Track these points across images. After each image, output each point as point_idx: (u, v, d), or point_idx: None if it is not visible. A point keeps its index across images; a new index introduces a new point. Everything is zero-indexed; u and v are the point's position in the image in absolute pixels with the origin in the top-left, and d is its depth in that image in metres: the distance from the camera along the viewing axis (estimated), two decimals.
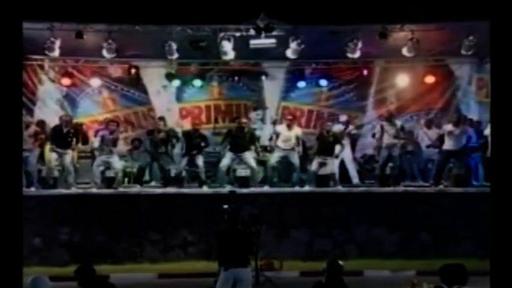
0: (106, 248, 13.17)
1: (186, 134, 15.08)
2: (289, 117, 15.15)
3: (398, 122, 14.94)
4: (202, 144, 14.72)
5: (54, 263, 12.73)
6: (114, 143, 14.42)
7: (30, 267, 10.66)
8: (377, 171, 14.99)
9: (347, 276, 6.82)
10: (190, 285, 11.35)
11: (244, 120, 15.18)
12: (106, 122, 15.37)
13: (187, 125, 16.19)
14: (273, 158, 14.74)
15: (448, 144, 14.46)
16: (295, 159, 14.56)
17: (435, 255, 11.74)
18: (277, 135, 14.69)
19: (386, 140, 14.66)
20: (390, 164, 14.79)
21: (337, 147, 14.70)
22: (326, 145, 14.59)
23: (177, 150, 15.05)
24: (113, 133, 14.44)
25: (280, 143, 14.60)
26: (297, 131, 14.84)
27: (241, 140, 14.50)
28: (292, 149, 14.55)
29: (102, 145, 14.46)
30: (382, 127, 14.94)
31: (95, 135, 14.99)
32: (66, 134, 14.10)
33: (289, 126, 14.73)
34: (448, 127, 14.60)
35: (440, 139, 14.82)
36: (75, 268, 6.36)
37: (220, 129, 16.42)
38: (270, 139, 15.07)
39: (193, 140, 14.64)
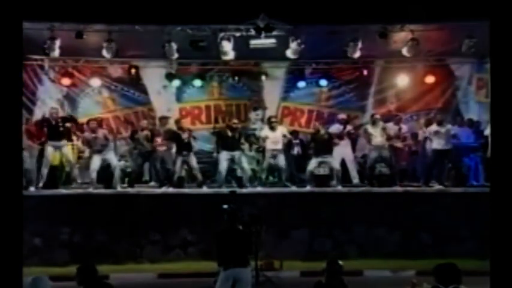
0: (106, 248, 13.16)
1: (173, 134, 14.82)
2: (273, 119, 15.05)
3: (381, 123, 14.87)
4: (192, 141, 14.63)
5: (54, 263, 12.74)
6: (104, 140, 14.33)
7: (30, 267, 10.65)
8: (367, 172, 14.96)
9: (347, 276, 6.82)
10: (190, 285, 11.35)
11: (235, 120, 15.18)
12: (87, 121, 15.28)
13: (186, 124, 16.16)
14: (265, 160, 14.74)
15: (435, 144, 14.46)
16: (282, 161, 14.56)
17: (435, 255, 11.68)
18: (264, 138, 14.66)
19: (373, 141, 14.66)
20: (383, 165, 14.78)
21: (337, 148, 14.74)
22: (322, 144, 14.60)
23: (174, 150, 15.01)
24: (95, 131, 14.38)
25: (269, 145, 14.59)
26: (282, 130, 14.82)
27: (230, 139, 14.50)
28: (282, 149, 14.54)
29: (87, 145, 14.45)
30: (365, 131, 15.00)
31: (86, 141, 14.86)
32: (55, 125, 14.09)
33: (273, 128, 14.68)
34: (433, 127, 14.62)
35: (427, 139, 14.85)
36: (75, 268, 6.36)
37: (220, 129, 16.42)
38: (263, 141, 14.91)
39: (182, 137, 14.55)
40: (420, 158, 15.59)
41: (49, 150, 14.12)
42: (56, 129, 14.10)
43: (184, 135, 14.55)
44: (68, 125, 14.37)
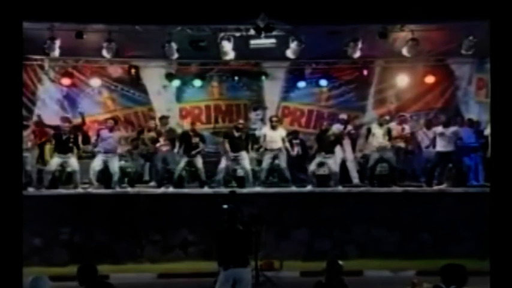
0: (106, 248, 13.17)
1: (184, 134, 15.04)
2: (274, 118, 15.10)
3: (386, 125, 14.89)
4: (200, 144, 14.73)
5: (54, 263, 12.76)
6: (115, 142, 14.38)
7: (30, 267, 10.64)
8: (367, 173, 14.95)
9: (347, 276, 6.83)
10: (190, 285, 11.37)
11: (241, 121, 15.26)
12: (104, 120, 15.39)
13: (187, 125, 16.17)
14: (264, 160, 14.74)
15: (440, 145, 14.47)
16: (282, 160, 14.58)
17: (435, 255, 11.74)
18: (264, 137, 14.68)
19: (376, 142, 14.67)
20: (383, 165, 14.79)
21: (338, 148, 14.75)
22: (326, 144, 14.61)
23: (176, 150, 15.02)
24: (112, 131, 14.41)
25: (268, 144, 14.60)
26: (281, 132, 14.82)
27: (237, 140, 14.53)
28: (280, 149, 14.56)
29: (102, 144, 14.42)
30: (369, 130, 14.99)
31: (97, 136, 14.88)
32: (66, 140, 14.13)
33: (274, 128, 14.72)
34: (439, 129, 14.63)
35: (434, 140, 14.84)
36: (75, 268, 6.36)
37: (220, 129, 16.42)
38: (264, 140, 14.90)
39: (192, 140, 14.64)
40: (416, 158, 15.58)
41: (54, 161, 14.13)
42: (66, 144, 14.14)
43: (195, 139, 14.62)
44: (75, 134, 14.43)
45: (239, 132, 14.69)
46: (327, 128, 14.99)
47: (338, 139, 14.82)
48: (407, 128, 15.54)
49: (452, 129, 14.59)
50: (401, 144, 15.29)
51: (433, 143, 14.85)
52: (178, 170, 14.59)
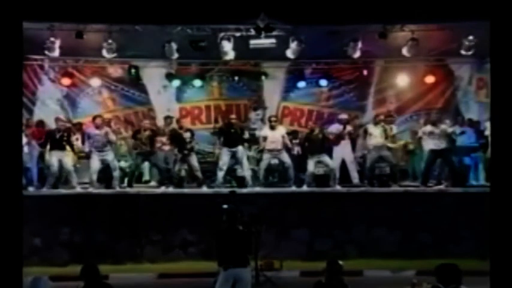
0: (106, 248, 13.16)
1: (174, 133, 14.95)
2: (273, 118, 15.10)
3: (383, 124, 14.85)
4: (191, 140, 14.68)
5: (54, 263, 12.75)
6: (104, 138, 14.29)
7: (30, 267, 10.65)
8: (366, 173, 14.93)
9: (347, 276, 6.82)
10: (190, 285, 11.36)
11: (232, 116, 15.21)
12: (92, 118, 15.14)
13: (187, 124, 16.14)
14: (264, 160, 14.74)
15: (431, 144, 14.43)
16: (287, 158, 14.59)
17: (435, 255, 11.70)
18: (264, 137, 14.70)
19: (373, 141, 14.67)
20: (383, 164, 14.79)
21: (336, 148, 14.77)
22: (316, 144, 14.62)
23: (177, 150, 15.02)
24: (99, 127, 14.36)
25: (268, 144, 14.61)
26: (281, 131, 14.83)
27: (233, 135, 14.55)
28: (281, 149, 14.57)
29: (90, 142, 14.35)
30: (365, 130, 15.03)
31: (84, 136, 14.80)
32: (60, 139, 14.10)
33: (273, 128, 14.71)
34: (428, 128, 14.59)
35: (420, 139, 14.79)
36: (75, 268, 6.38)
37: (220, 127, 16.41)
38: (263, 140, 14.87)
39: (184, 136, 14.61)
40: (417, 158, 15.56)
41: (54, 159, 14.08)
42: (60, 141, 14.11)
43: (186, 135, 14.60)
44: (72, 137, 14.36)
45: (233, 128, 14.66)
46: (313, 128, 15.01)
47: (327, 139, 14.80)
48: (394, 129, 15.51)
49: (442, 127, 14.54)
50: (390, 145, 15.26)
51: (420, 140, 14.80)
52: (176, 170, 14.58)
